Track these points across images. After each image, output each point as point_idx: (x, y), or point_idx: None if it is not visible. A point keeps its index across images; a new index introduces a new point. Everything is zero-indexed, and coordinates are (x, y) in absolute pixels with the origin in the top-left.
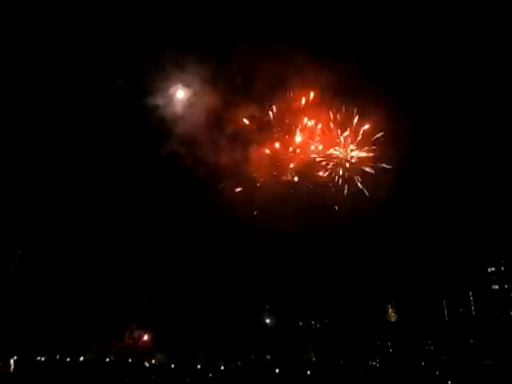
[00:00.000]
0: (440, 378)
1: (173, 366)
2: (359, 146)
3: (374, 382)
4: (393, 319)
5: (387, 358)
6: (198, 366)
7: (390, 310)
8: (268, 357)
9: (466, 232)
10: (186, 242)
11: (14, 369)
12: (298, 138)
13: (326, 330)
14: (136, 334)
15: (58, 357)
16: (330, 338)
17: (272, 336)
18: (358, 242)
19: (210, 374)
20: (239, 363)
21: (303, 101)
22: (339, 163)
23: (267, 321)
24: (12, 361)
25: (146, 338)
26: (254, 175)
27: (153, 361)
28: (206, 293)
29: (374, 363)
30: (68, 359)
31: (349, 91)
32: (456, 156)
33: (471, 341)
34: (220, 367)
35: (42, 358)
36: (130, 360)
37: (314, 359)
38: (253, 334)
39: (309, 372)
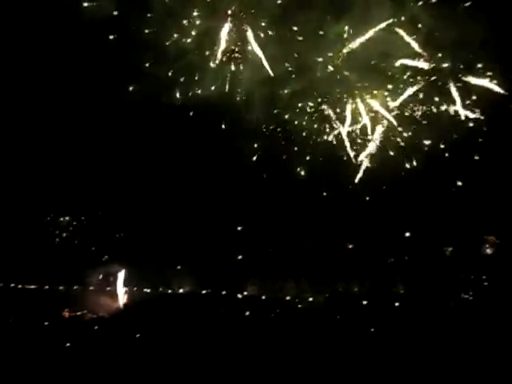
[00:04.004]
0: None
1: (263, 297)
2: None
3: (465, 316)
4: (490, 252)
5: (481, 292)
6: (287, 298)
7: (489, 241)
8: (356, 289)
9: None
10: None
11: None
12: None
13: (415, 262)
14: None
15: (161, 289)
16: (419, 271)
17: (359, 269)
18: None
19: (299, 306)
20: (327, 295)
21: None
22: None
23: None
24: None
25: None
26: None
27: (244, 292)
28: (292, 224)
29: (466, 296)
30: (169, 291)
31: None
32: None
33: None
34: (308, 299)
35: (148, 290)
36: (223, 292)
37: (402, 292)
38: (340, 266)
39: (397, 304)
